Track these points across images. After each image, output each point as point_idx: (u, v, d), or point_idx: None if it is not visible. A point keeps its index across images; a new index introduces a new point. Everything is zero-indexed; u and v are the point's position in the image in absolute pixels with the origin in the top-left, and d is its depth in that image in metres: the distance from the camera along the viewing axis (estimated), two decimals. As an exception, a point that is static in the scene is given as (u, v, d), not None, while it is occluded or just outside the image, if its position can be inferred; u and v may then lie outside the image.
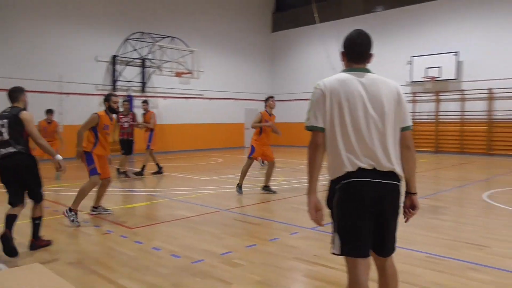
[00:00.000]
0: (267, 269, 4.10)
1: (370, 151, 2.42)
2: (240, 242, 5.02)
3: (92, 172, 6.16)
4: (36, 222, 4.78)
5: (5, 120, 4.61)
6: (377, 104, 2.46)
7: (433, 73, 17.50)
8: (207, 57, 19.96)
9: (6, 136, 4.58)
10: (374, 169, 2.42)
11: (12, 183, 4.64)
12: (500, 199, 7.63)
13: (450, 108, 17.77)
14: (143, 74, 18.35)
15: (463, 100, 17.31)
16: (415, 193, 2.74)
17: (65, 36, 16.07)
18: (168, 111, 19.21)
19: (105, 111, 6.59)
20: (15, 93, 4.84)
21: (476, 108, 17.03)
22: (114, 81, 17.31)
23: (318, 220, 2.56)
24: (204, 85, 20.06)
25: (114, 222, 6.11)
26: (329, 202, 2.60)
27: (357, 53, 2.62)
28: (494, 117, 16.59)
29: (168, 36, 17.97)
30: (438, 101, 17.95)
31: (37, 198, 4.76)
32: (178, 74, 16.80)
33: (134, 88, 18.08)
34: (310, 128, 2.51)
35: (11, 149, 4.56)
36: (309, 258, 4.40)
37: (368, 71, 2.60)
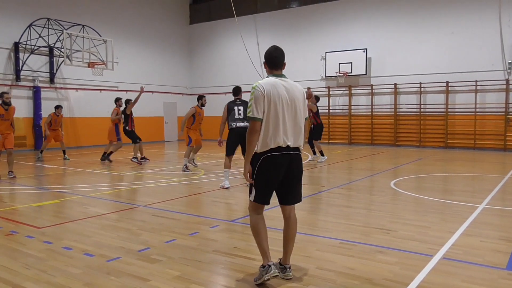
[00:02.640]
0: (187, 263, 4.04)
1: (287, 134, 3.51)
2: (159, 237, 4.89)
3: None
4: None
5: None
6: (294, 102, 3.54)
7: (345, 68, 18.43)
8: (123, 47, 19.16)
9: None
10: (287, 146, 3.52)
11: None
12: (405, 186, 8.25)
13: (361, 102, 18.85)
14: (51, 63, 17.12)
15: (372, 94, 18.45)
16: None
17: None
18: (81, 103, 18.18)
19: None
20: None
21: (384, 102, 18.26)
22: (17, 70, 15.95)
23: (250, 180, 3.58)
24: (120, 77, 19.26)
25: (19, 222, 5.64)
26: (253, 167, 3.59)
27: (275, 63, 3.64)
28: (399, 110, 17.90)
29: (79, 24, 16.91)
30: (350, 95, 18.95)
31: None
32: (91, 65, 15.90)
33: (41, 79, 16.81)
34: (253, 119, 3.43)
35: None
36: (229, 250, 4.41)
37: (285, 76, 3.63)
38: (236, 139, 8.09)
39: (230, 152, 8.34)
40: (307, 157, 13.09)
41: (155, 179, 9.43)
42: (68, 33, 15.20)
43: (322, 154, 12.50)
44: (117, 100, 13.21)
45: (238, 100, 8.44)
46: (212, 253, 4.33)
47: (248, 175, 3.57)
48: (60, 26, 16.41)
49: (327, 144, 19.19)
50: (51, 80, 17.09)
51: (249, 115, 3.43)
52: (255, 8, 21.51)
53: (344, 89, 19.11)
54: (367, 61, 18.17)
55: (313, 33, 19.81)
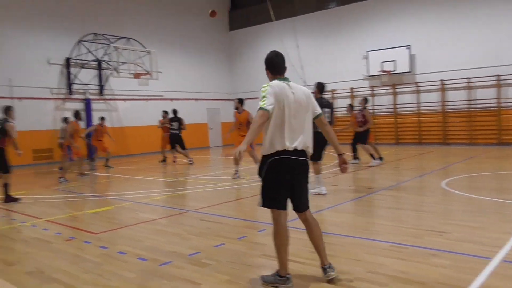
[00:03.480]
0: (236, 267, 4.08)
1: (293, 138, 3.46)
2: (208, 242, 4.98)
3: None
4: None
5: None
6: (300, 105, 3.53)
7: (388, 66, 18.02)
8: (165, 57, 19.69)
9: None
10: (295, 149, 3.46)
11: None
12: (457, 186, 7.94)
13: (406, 101, 18.35)
14: (100, 76, 17.86)
15: (418, 92, 17.91)
16: (343, 153, 3.89)
17: (14, 38, 15.42)
18: (128, 113, 18.82)
19: None
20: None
21: (430, 100, 17.67)
22: (69, 84, 16.76)
23: (238, 161, 3.30)
24: (164, 86, 19.79)
25: (77, 228, 5.92)
26: (261, 171, 3.55)
27: (278, 69, 3.68)
28: (447, 107, 17.27)
29: (124, 37, 17.56)
30: (395, 94, 18.49)
31: None
32: (137, 76, 16.45)
33: (91, 91, 17.58)
34: (264, 109, 3.34)
35: None
36: (277, 253, 4.41)
37: (289, 79, 3.67)
38: (324, 144, 7.27)
39: (319, 157, 7.42)
40: (351, 159, 12.86)
41: (201, 184, 9.60)
42: (114, 47, 15.82)
43: (374, 157, 12.00)
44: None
45: (325, 101, 7.54)
46: (261, 257, 4.35)
47: (240, 155, 3.28)
48: (107, 40, 17.11)
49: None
50: (101, 92, 17.83)
51: (261, 105, 3.35)
52: (293, 11, 21.48)
53: (388, 87, 18.68)
54: (411, 58, 17.68)
55: (354, 33, 19.52)
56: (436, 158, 13.31)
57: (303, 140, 3.52)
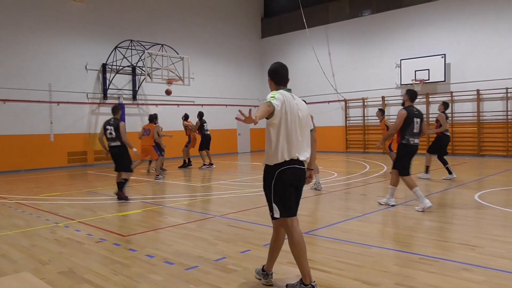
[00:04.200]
0: (262, 274, 4.08)
1: (297, 148, 3.55)
2: (234, 247, 5.00)
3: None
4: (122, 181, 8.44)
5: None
6: (302, 116, 3.62)
7: (421, 75, 17.68)
8: (198, 63, 19.98)
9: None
10: (298, 159, 3.55)
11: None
12: (491, 199, 7.69)
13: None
14: (133, 81, 18.31)
15: (452, 101, 17.48)
16: (312, 169, 3.89)
17: (55, 45, 16.02)
18: (160, 118, 19.15)
19: None
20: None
21: (465, 110, 17.21)
22: (104, 90, 17.25)
23: (242, 114, 3.24)
24: (195, 92, 20.06)
25: (107, 230, 6.06)
26: (268, 182, 3.59)
27: (283, 80, 3.74)
28: (483, 118, 16.77)
29: (158, 44, 17.95)
30: (428, 103, 18.11)
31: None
32: (169, 81, 16.76)
33: (125, 96, 18.02)
34: (271, 103, 3.38)
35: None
36: (303, 262, 4.39)
37: (291, 91, 3.71)
38: (412, 156, 7.05)
39: (407, 172, 7.08)
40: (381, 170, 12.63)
41: (229, 190, 9.66)
42: (148, 53, 16.19)
43: (427, 171, 11.14)
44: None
45: (415, 110, 7.13)
46: (286, 265, 4.34)
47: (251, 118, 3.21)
48: (141, 46, 17.54)
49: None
50: (134, 97, 18.25)
51: (272, 100, 3.39)
52: (326, 18, 21.42)
53: (421, 97, 18.29)
54: (446, 67, 17.28)
55: (387, 41, 19.27)
56: (470, 169, 12.93)
57: (306, 151, 3.65)
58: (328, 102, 21.12)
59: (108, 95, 17.33)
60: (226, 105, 21.92)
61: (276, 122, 3.47)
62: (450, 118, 17.51)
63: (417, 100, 19.27)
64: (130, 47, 17.43)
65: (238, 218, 6.63)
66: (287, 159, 3.49)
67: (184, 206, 7.93)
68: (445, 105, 11.30)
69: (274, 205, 3.56)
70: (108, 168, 15.77)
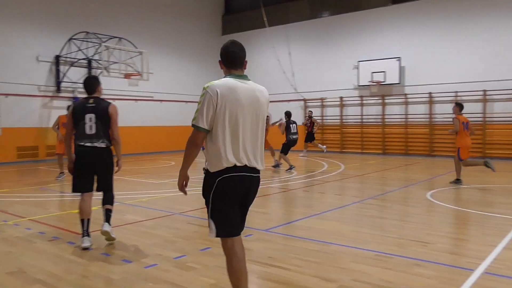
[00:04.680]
0: (222, 272, 4.06)
1: (246, 150, 2.88)
2: (194, 245, 4.96)
3: None
4: None
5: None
6: (256, 110, 2.92)
7: (378, 77, 18.20)
8: (157, 58, 19.61)
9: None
10: (245, 166, 2.88)
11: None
12: (441, 197, 8.04)
13: (394, 111, 18.54)
14: (89, 75, 17.71)
15: (406, 103, 18.12)
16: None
17: (3, 33, 15.22)
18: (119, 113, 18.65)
19: None
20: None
21: (418, 112, 17.90)
22: (58, 82, 16.57)
23: (184, 190, 3.07)
24: (154, 87, 19.68)
25: (60, 228, 5.84)
26: (206, 192, 2.96)
27: (233, 60, 2.97)
28: (435, 120, 17.49)
29: (116, 37, 17.44)
30: (384, 104, 18.68)
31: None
32: (127, 76, 16.35)
33: (80, 90, 17.40)
34: (197, 127, 2.84)
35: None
36: (264, 260, 4.42)
37: (247, 77, 3.00)
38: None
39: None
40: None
41: (187, 187, 9.55)
42: (105, 46, 15.70)
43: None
44: None
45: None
46: (247, 262, 4.32)
47: (183, 184, 3.06)
48: (98, 39, 16.99)
49: (360, 154, 18.95)
50: (89, 91, 17.67)
51: (193, 122, 2.84)
52: (286, 18, 21.61)
53: (377, 98, 18.86)
54: (401, 69, 17.90)
55: (346, 42, 19.70)
56: (422, 169, 13.46)
57: (256, 155, 2.96)
58: (288, 101, 21.32)
59: (62, 88, 16.67)
60: (186, 101, 21.67)
61: (214, 124, 2.84)
62: (404, 120, 18.17)
63: (372, 101, 19.85)
64: (85, 39, 16.84)
65: (197, 216, 6.58)
66: (229, 165, 2.83)
67: (143, 203, 7.78)
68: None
69: (210, 221, 2.93)
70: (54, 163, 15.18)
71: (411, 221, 6.27)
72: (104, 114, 4.98)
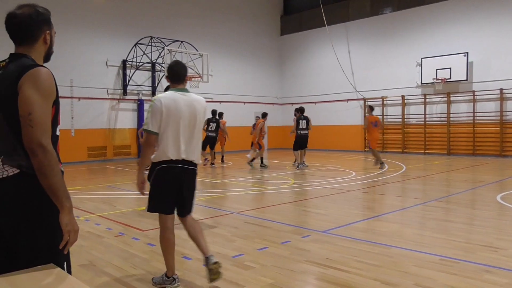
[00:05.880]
0: (279, 271, 4.08)
1: (183, 149, 3.59)
2: (252, 245, 5.01)
3: None
4: None
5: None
6: (193, 117, 3.63)
7: (443, 74, 17.38)
8: (217, 60, 20.02)
9: None
10: (182, 160, 3.60)
11: None
12: (514, 201, 7.53)
13: (461, 110, 17.61)
14: (153, 78, 18.46)
15: (474, 101, 17.15)
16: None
17: (76, 41, 16.24)
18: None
19: None
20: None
21: (488, 109, 16.87)
22: (124, 85, 17.44)
23: (142, 191, 3.69)
24: (214, 88, 20.11)
25: (126, 224, 6.13)
26: (149, 177, 3.69)
27: (177, 77, 3.70)
28: (506, 118, 16.41)
29: (178, 40, 18.06)
30: (449, 102, 17.81)
31: None
32: (188, 78, 16.83)
33: (144, 92, 18.19)
34: (148, 131, 3.52)
35: None
36: (321, 261, 4.37)
37: (187, 90, 3.73)
38: None
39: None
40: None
41: (245, 187, 9.68)
42: (168, 49, 16.29)
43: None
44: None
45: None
46: (304, 263, 4.33)
47: (141, 185, 3.67)
48: (161, 43, 17.67)
49: (423, 155, 18.20)
50: (153, 93, 18.40)
51: (145, 127, 3.54)
52: (346, 16, 21.22)
53: (442, 96, 18.01)
54: (468, 65, 16.95)
55: (408, 39, 19.00)
56: (492, 170, 12.67)
57: (192, 152, 3.66)
58: (347, 100, 20.95)
59: (128, 91, 17.52)
60: (244, 102, 21.95)
61: (159, 128, 3.54)
62: (471, 118, 17.20)
63: (437, 99, 19.05)
64: (150, 44, 17.58)
65: (254, 215, 6.64)
66: (167, 158, 3.55)
67: (202, 202, 7.98)
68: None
69: (148, 199, 3.71)
70: (126, 163, 15.97)
71: (480, 225, 5.93)
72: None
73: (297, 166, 13.12)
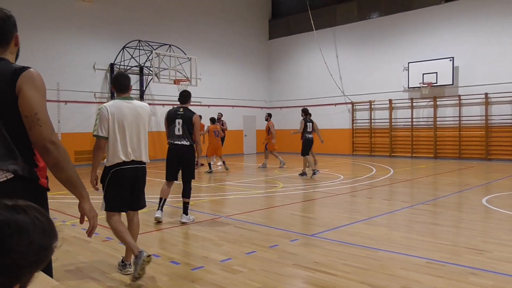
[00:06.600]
0: (267, 275, 4.08)
1: (132, 150, 3.99)
2: (240, 249, 5.00)
3: None
4: None
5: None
6: (137, 121, 4.04)
7: (429, 78, 17.60)
8: (205, 64, 20.01)
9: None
10: (132, 160, 4.01)
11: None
12: (499, 203, 7.63)
13: (447, 114, 17.84)
14: (141, 81, 18.37)
15: (460, 105, 17.38)
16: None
17: (63, 45, 16.12)
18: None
19: None
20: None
21: (473, 113, 17.11)
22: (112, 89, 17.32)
23: (96, 187, 4.10)
24: (202, 92, 20.08)
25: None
26: (103, 180, 4.08)
27: (121, 87, 4.13)
28: (491, 122, 16.66)
29: (166, 44, 18.01)
30: (435, 106, 18.02)
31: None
32: (176, 82, 16.81)
33: (132, 96, 18.09)
34: (98, 137, 3.94)
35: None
36: (309, 264, 4.38)
37: (131, 98, 4.15)
38: None
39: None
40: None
41: (234, 191, 9.67)
42: (156, 53, 16.24)
43: None
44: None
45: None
46: (292, 267, 4.33)
47: (93, 183, 4.11)
48: (149, 46, 17.60)
49: (410, 158, 18.37)
50: (141, 97, 18.32)
51: (94, 133, 3.95)
52: (334, 20, 21.38)
53: (428, 100, 18.23)
54: (454, 70, 17.19)
55: (395, 44, 19.21)
56: (477, 173, 12.84)
57: (140, 153, 4.07)
58: (335, 104, 21.08)
59: (115, 94, 17.40)
60: (232, 106, 21.95)
61: (108, 133, 3.94)
62: (457, 122, 17.43)
63: (423, 104, 19.25)
64: (138, 47, 17.50)
65: (243, 219, 6.63)
66: (119, 161, 3.94)
67: (190, 206, 7.93)
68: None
69: (103, 200, 4.08)
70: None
71: (466, 228, 6.00)
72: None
73: (314, 173, 11.76)
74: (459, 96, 17.30)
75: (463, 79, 17.26)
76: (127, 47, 17.39)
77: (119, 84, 4.13)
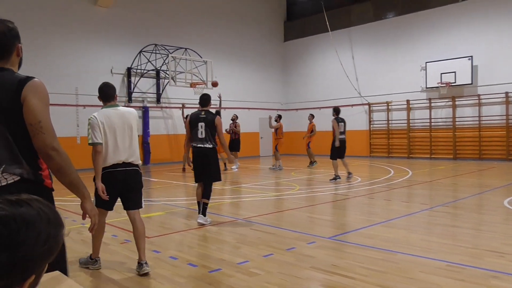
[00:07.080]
0: (285, 278, 4.07)
1: (122, 153, 4.24)
2: (257, 251, 5.00)
3: None
4: None
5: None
6: (125, 126, 4.27)
7: (448, 78, 17.34)
8: (221, 67, 20.09)
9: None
10: (123, 163, 4.26)
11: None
12: (521, 205, 7.47)
13: (466, 114, 17.54)
14: (157, 85, 18.55)
15: (479, 105, 17.08)
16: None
17: (81, 49, 16.37)
18: (182, 121, 19.32)
19: None
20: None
21: (493, 113, 16.78)
22: (129, 93, 17.52)
23: (104, 196, 4.13)
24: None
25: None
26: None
27: (106, 97, 4.37)
28: (512, 122, 16.32)
29: (182, 48, 18.15)
30: (454, 106, 17.74)
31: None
32: (193, 85, 16.92)
33: (149, 99, 18.28)
34: (94, 144, 4.14)
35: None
36: (327, 267, 4.36)
37: (117, 105, 4.40)
38: None
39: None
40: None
41: (251, 193, 9.67)
42: (172, 57, 16.38)
43: None
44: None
45: None
46: (309, 270, 4.31)
47: (101, 191, 4.17)
48: (165, 50, 17.76)
49: (429, 160, 18.11)
50: (158, 100, 18.50)
51: (90, 142, 4.17)
52: (349, 21, 21.25)
53: (447, 100, 17.95)
54: (473, 69, 16.90)
55: (412, 43, 18.98)
56: (499, 174, 12.59)
57: (130, 155, 4.29)
58: (352, 105, 20.92)
59: (132, 98, 17.60)
60: (248, 108, 21.98)
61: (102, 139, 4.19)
62: (477, 122, 17.12)
63: (442, 104, 18.96)
64: (154, 51, 17.68)
65: (260, 222, 6.62)
66: (109, 164, 4.20)
67: (208, 209, 7.97)
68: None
69: (93, 199, 4.14)
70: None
71: (487, 230, 5.88)
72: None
73: (348, 176, 11.46)
74: (479, 95, 17.00)
75: (483, 78, 16.95)
76: (144, 51, 17.58)
77: (104, 94, 4.38)
